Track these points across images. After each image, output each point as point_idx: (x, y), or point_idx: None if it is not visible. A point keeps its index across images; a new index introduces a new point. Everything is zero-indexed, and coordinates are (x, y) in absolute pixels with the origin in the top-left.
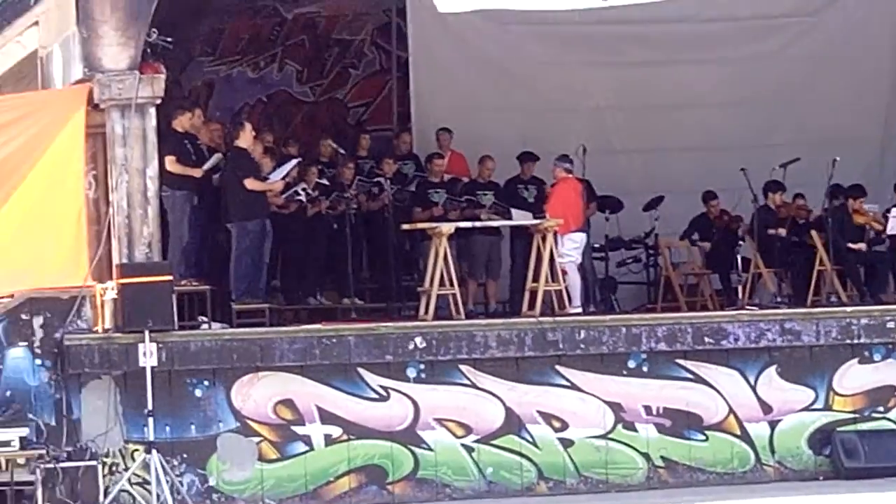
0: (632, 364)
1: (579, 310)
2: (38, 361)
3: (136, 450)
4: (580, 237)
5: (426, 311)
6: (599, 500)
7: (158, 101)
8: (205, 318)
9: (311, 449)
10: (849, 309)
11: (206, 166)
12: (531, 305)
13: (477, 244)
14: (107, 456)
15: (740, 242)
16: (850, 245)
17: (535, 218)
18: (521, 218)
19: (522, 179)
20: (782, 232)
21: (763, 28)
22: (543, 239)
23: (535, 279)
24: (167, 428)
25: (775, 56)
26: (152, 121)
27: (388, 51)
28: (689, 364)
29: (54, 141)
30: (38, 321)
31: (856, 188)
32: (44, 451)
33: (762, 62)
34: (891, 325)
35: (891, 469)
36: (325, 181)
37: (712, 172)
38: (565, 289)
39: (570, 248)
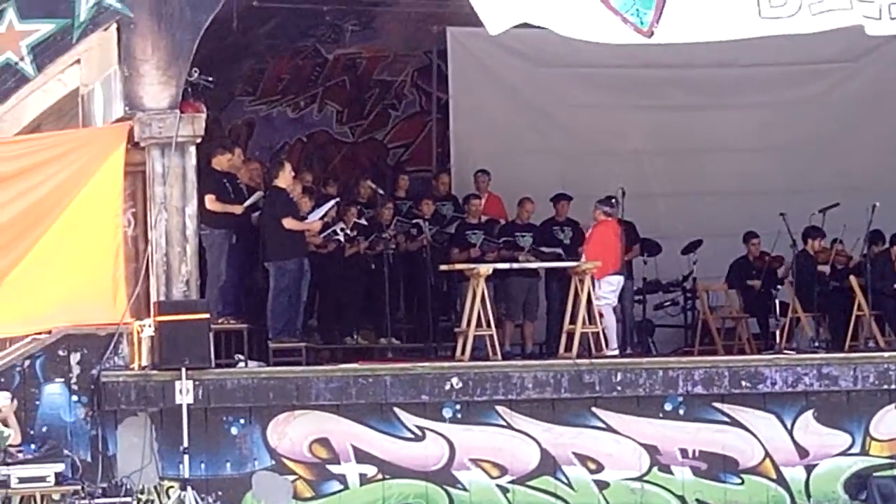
0: (668, 407)
1: (616, 352)
2: (75, 398)
3: (172, 487)
4: (617, 280)
5: (463, 352)
6: None
7: (199, 140)
8: (241, 357)
9: (347, 488)
10: (886, 354)
11: (247, 204)
12: (568, 347)
13: (514, 285)
14: (142, 493)
15: (778, 287)
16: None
17: (571, 260)
18: (551, 258)
19: (557, 221)
20: (826, 269)
21: (805, 73)
22: (581, 281)
23: (573, 321)
24: (202, 465)
25: (816, 101)
26: (192, 159)
27: (429, 92)
28: (725, 407)
29: (94, 178)
30: (75, 357)
31: (878, 234)
32: (79, 487)
33: (803, 107)
34: None
35: None
36: (363, 221)
37: (751, 217)
38: (602, 331)
39: (607, 291)
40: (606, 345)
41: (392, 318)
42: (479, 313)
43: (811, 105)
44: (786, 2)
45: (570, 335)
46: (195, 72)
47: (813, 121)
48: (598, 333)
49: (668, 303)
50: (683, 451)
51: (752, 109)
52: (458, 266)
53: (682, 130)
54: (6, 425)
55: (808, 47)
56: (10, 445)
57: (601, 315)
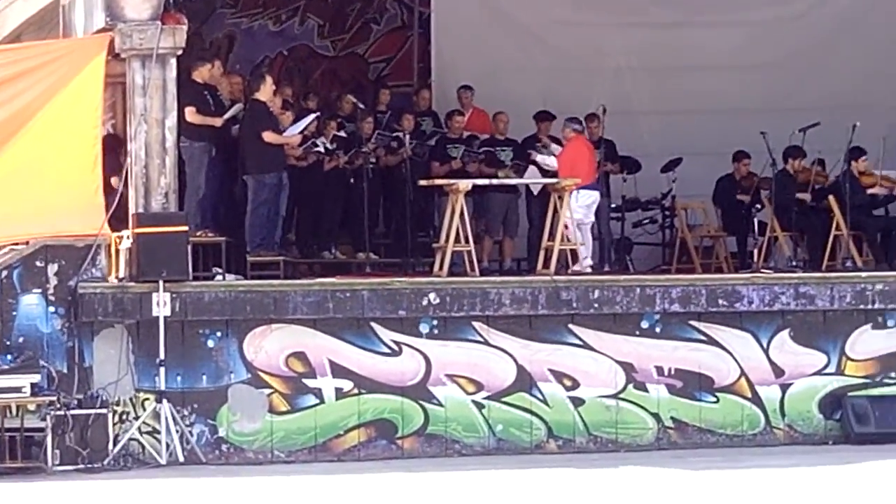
0: (645, 325)
1: (589, 268)
2: (52, 309)
3: (147, 399)
4: (589, 195)
5: (441, 268)
6: (609, 459)
7: (179, 53)
8: (219, 270)
9: (322, 402)
10: (864, 274)
11: (226, 116)
12: (546, 264)
13: (494, 201)
14: (117, 404)
15: (758, 206)
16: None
17: (550, 176)
18: (534, 175)
19: (539, 138)
20: (808, 197)
21: None
22: (560, 198)
23: (551, 238)
24: (178, 378)
25: (797, 20)
26: (173, 72)
27: (410, 7)
28: (702, 326)
29: (73, 89)
30: (52, 268)
31: (855, 150)
32: (55, 398)
33: (784, 25)
34: None
35: None
36: (343, 135)
37: (731, 135)
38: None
39: (580, 208)
40: (575, 260)
41: (370, 233)
42: (457, 229)
43: (794, 23)
44: None
45: (548, 252)
46: None
47: (795, 39)
48: (572, 250)
49: (646, 220)
50: (659, 369)
51: (734, 27)
52: (438, 181)
53: (665, 48)
54: None
55: None
56: None
57: (566, 227)
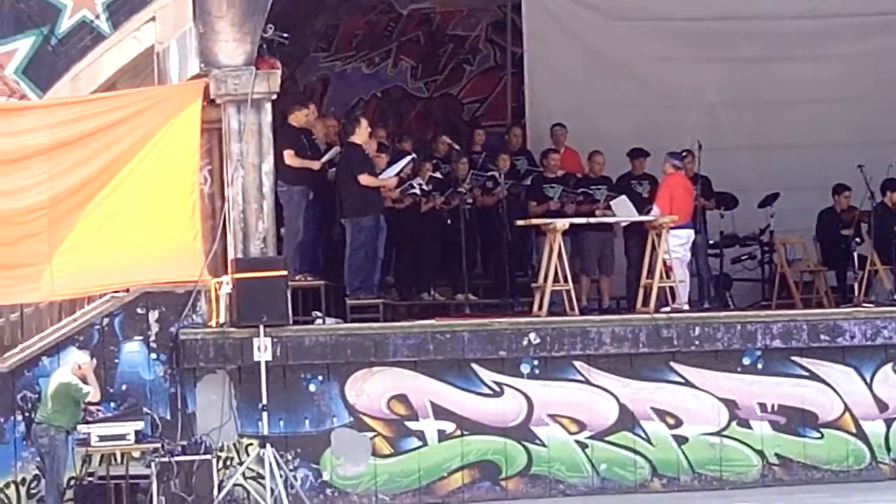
0: (746, 361)
1: (685, 306)
2: (154, 356)
3: (251, 444)
4: (686, 233)
5: (540, 307)
6: (714, 497)
7: (274, 97)
8: (319, 314)
9: (425, 444)
10: None
11: (324, 159)
12: (645, 302)
13: (589, 240)
14: (221, 450)
15: (857, 240)
16: None
17: (647, 213)
18: (624, 211)
19: (634, 175)
20: None
21: (876, 25)
22: (658, 235)
23: (650, 275)
24: (281, 422)
25: (888, 52)
26: (268, 116)
27: (503, 47)
28: (804, 361)
29: (170, 135)
30: (153, 315)
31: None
32: (159, 445)
33: (875, 59)
34: None
35: None
36: (439, 176)
37: (827, 169)
38: (671, 286)
39: (676, 245)
40: (673, 299)
41: (469, 274)
42: (556, 268)
43: (884, 56)
44: None
45: (647, 289)
46: (270, 28)
47: (886, 72)
48: (671, 288)
49: (745, 256)
50: (762, 406)
51: (824, 61)
52: (535, 221)
53: (757, 83)
54: (86, 383)
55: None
56: (90, 403)
57: (669, 269)
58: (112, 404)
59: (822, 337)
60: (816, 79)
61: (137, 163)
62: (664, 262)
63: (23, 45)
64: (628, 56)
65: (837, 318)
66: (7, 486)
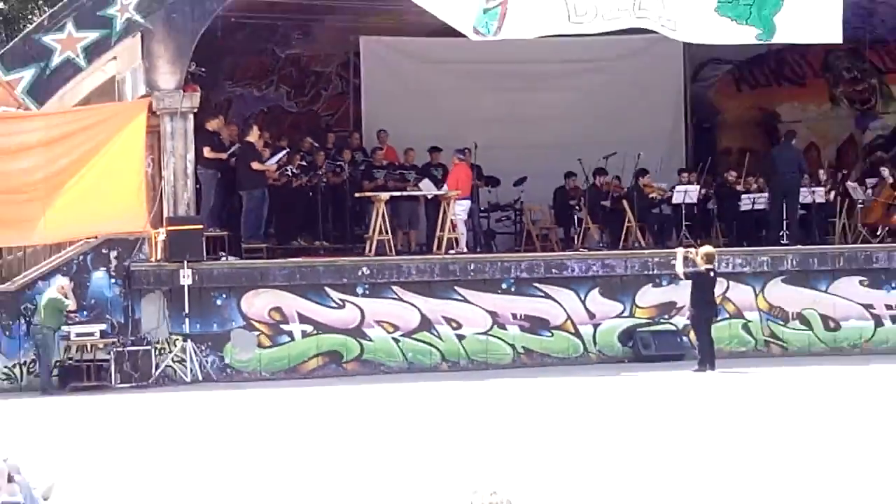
0: (504, 286)
1: (465, 250)
2: (113, 280)
3: (177, 339)
4: (467, 203)
5: (370, 251)
6: (482, 375)
7: (195, 110)
8: (223, 254)
9: (293, 340)
10: (647, 251)
11: (229, 153)
12: (438, 248)
13: (403, 207)
14: (157, 343)
15: (576, 208)
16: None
17: (440, 189)
18: (430, 189)
19: (433, 164)
20: (607, 204)
21: (593, 68)
22: (448, 204)
23: (441, 230)
24: (198, 325)
25: (603, 87)
26: (191, 123)
27: (348, 79)
28: (542, 287)
29: (125, 135)
30: (113, 254)
31: (642, 171)
32: (116, 340)
33: (595, 90)
34: (672, 262)
35: (671, 356)
36: (304, 164)
37: (560, 162)
38: (456, 237)
39: (459, 210)
40: (457, 245)
41: (323, 228)
42: (380, 225)
43: (600, 89)
44: (586, 11)
45: (440, 239)
46: (193, 65)
47: (602, 99)
48: (457, 238)
49: (504, 218)
50: (514, 315)
51: (560, 91)
52: (367, 193)
53: (516, 105)
54: (67, 298)
55: (595, 49)
56: (70, 312)
57: (454, 226)
58: (84, 313)
59: (554, 271)
60: (555, 102)
61: (104, 153)
62: (451, 222)
63: (27, 74)
64: (431, 86)
65: (564, 258)
66: (14, 366)
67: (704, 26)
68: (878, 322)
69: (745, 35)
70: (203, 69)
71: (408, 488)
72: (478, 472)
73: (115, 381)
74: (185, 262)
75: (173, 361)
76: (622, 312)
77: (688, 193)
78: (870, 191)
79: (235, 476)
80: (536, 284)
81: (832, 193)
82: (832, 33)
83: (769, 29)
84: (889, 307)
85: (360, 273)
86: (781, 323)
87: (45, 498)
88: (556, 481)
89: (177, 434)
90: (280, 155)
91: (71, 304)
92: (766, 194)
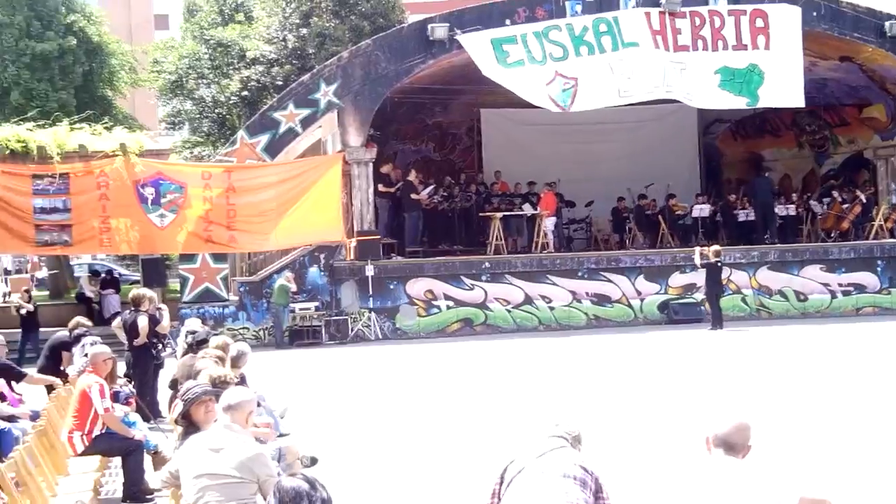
0: (580, 273)
1: (553, 251)
2: (322, 273)
3: (364, 311)
4: (553, 219)
5: (490, 251)
6: (566, 335)
7: (373, 160)
8: (394, 254)
9: (440, 311)
10: (675, 249)
11: (395, 187)
12: (535, 249)
13: (512, 222)
14: (352, 314)
15: (627, 219)
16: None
17: (536, 210)
18: (529, 210)
19: (531, 193)
20: (648, 217)
21: (636, 126)
22: (541, 220)
23: (537, 237)
24: (378, 302)
25: (643, 139)
26: (370, 169)
27: (473, 137)
28: (605, 274)
29: (328, 176)
30: (322, 255)
31: (671, 195)
32: (325, 312)
33: (637, 141)
34: (693, 256)
35: (693, 320)
36: (445, 194)
37: (615, 190)
38: (548, 242)
39: (549, 224)
40: (547, 247)
41: (459, 237)
42: (496, 234)
43: (641, 140)
44: (629, 89)
45: (536, 244)
46: (371, 130)
47: (642, 147)
48: (546, 242)
49: (578, 229)
50: (587, 293)
51: (614, 143)
52: (488, 213)
53: (585, 152)
54: (290, 283)
55: (637, 113)
56: (294, 293)
57: (545, 234)
58: (304, 294)
59: (612, 263)
60: (610, 150)
61: (314, 189)
62: (543, 231)
63: (263, 138)
64: (529, 141)
65: (619, 255)
66: (260, 330)
67: (712, 97)
68: (833, 295)
69: (739, 103)
70: (378, 132)
71: (512, 411)
72: (562, 401)
73: (324, 340)
74: (369, 260)
75: (362, 326)
76: (659, 291)
77: (702, 210)
78: (825, 206)
79: (406, 396)
80: (601, 272)
81: (800, 209)
82: (797, 100)
83: (755, 98)
84: (840, 285)
85: (483, 266)
86: (767, 297)
87: (282, 416)
88: (616, 405)
89: (366, 374)
90: (430, 188)
91: (293, 286)
92: (752, 209)
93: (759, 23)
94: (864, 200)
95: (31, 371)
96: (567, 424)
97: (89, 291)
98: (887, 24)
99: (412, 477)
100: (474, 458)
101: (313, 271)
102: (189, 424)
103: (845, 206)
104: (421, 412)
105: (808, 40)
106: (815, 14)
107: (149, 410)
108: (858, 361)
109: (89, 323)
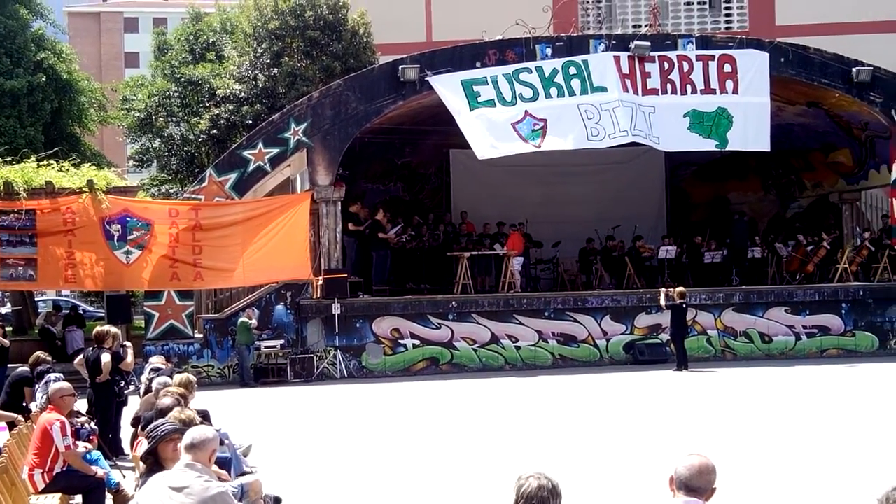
0: (546, 313)
1: (520, 291)
2: (289, 311)
3: (330, 350)
4: (521, 259)
5: (457, 291)
6: (531, 374)
7: (342, 199)
8: (361, 293)
9: (406, 349)
10: (641, 290)
11: (364, 226)
12: (502, 289)
13: (479, 261)
14: (317, 352)
15: (594, 260)
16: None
17: (503, 250)
18: (497, 250)
19: (498, 233)
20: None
21: (604, 169)
22: (508, 259)
23: (504, 277)
24: (344, 340)
25: (611, 181)
26: (339, 207)
27: (441, 177)
28: (571, 314)
29: (296, 215)
30: (288, 293)
31: (638, 237)
32: (290, 350)
33: (605, 183)
34: (658, 297)
35: (659, 360)
36: (413, 233)
37: (582, 231)
38: (515, 281)
39: (516, 264)
40: (514, 286)
41: (426, 276)
42: (464, 274)
43: (609, 182)
44: (598, 131)
45: (503, 283)
46: (340, 169)
47: (610, 190)
48: (513, 282)
49: (545, 269)
50: (553, 332)
51: (583, 184)
52: (455, 253)
53: (553, 194)
54: (251, 319)
55: (605, 155)
56: (255, 328)
57: (513, 274)
58: (269, 331)
59: (579, 303)
60: (578, 191)
61: (281, 226)
62: (510, 271)
63: (232, 176)
64: (497, 182)
65: (586, 295)
66: (224, 367)
67: (681, 139)
68: (798, 337)
69: (708, 145)
70: (347, 171)
71: (479, 453)
72: (530, 445)
73: (290, 378)
74: (336, 299)
75: (328, 364)
76: (625, 331)
77: (668, 251)
78: (790, 249)
79: (372, 434)
80: (567, 312)
81: (765, 251)
82: (764, 144)
83: (723, 141)
84: (805, 327)
85: (450, 305)
86: (732, 338)
87: (245, 455)
88: (585, 442)
89: (331, 412)
90: (397, 228)
91: (253, 322)
92: (723, 251)
93: (728, 68)
94: (828, 246)
95: None
96: (545, 478)
97: (49, 325)
98: (854, 70)
99: None
100: (438, 498)
101: (279, 309)
102: (155, 462)
103: (810, 248)
104: (386, 451)
105: (775, 85)
106: (782, 60)
107: (111, 448)
108: (823, 404)
109: (50, 358)
